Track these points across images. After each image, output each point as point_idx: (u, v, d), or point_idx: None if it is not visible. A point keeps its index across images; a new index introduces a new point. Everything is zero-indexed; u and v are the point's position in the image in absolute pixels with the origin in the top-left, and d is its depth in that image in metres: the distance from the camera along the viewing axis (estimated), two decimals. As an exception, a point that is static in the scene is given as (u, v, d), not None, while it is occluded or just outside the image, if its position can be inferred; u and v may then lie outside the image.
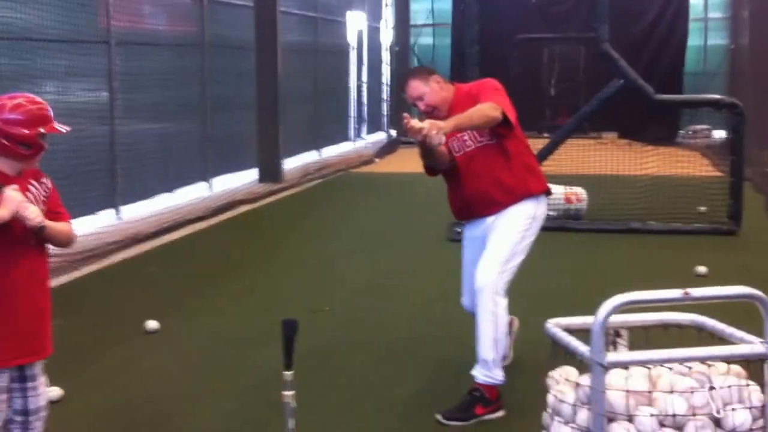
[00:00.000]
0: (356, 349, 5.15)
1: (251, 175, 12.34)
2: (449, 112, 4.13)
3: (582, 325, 3.01)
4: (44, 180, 3.13)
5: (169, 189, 10.25)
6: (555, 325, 3.00)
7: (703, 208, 9.33)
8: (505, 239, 4.09)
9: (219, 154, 11.39)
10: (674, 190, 9.06)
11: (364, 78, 19.06)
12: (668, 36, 17.71)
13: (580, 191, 9.17)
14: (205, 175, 11.16)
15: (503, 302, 4.05)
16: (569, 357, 2.93)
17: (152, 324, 5.52)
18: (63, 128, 3.08)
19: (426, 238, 8.49)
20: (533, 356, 4.41)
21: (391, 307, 6.08)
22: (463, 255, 4.47)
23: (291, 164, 13.13)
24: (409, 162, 15.60)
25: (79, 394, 4.39)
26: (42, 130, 2.99)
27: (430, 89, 4.16)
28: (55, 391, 4.16)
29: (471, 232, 4.36)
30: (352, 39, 17.88)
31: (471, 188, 4.18)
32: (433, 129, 3.65)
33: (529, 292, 5.65)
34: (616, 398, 2.80)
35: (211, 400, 4.40)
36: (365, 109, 19.15)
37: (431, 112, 4.15)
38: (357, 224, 9.36)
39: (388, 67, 20.58)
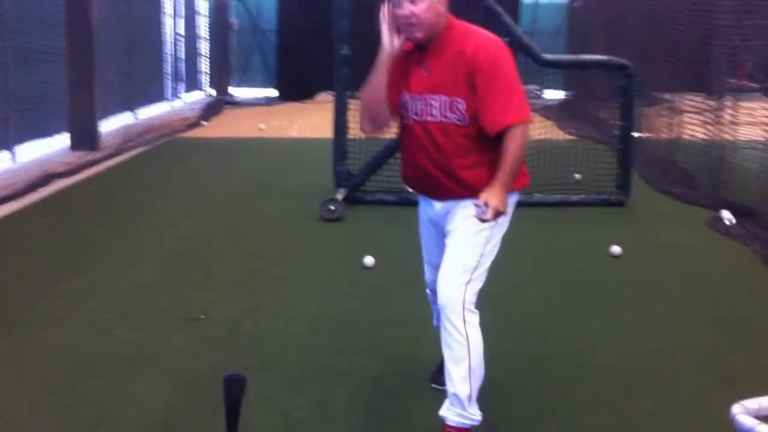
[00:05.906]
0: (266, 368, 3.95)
1: (62, 141, 10.54)
2: (430, 46, 3.15)
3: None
4: None
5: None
6: (742, 411, 2.02)
7: (578, 176, 8.82)
8: (468, 240, 3.13)
9: (24, 116, 9.50)
10: (539, 158, 7.91)
11: (181, 30, 17.28)
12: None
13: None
14: (8, 142, 9.29)
15: (475, 319, 3.08)
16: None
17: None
18: None
19: (294, 217, 7.24)
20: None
21: (285, 309, 4.88)
22: (419, 227, 3.56)
23: (107, 128, 11.37)
24: (241, 125, 14.28)
25: None
26: None
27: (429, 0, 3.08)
28: None
29: (424, 209, 3.46)
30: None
31: (420, 163, 3.25)
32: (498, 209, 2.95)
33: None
34: None
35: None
36: (182, 65, 17.40)
37: (410, 27, 3.09)
38: (205, 202, 7.88)
39: (206, 19, 18.86)
